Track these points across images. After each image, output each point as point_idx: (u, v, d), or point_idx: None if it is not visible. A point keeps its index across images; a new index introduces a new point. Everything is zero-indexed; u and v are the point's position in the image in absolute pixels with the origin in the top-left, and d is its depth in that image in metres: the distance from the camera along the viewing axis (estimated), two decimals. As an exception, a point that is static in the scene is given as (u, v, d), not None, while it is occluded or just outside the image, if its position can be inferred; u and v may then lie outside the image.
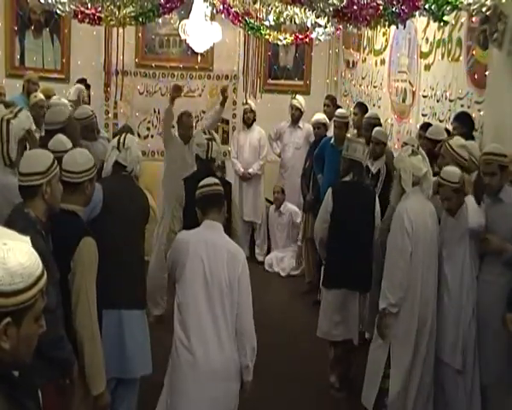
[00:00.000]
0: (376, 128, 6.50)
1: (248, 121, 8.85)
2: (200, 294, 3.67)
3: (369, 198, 5.43)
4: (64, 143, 4.39)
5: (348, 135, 6.79)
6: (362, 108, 7.69)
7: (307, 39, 8.03)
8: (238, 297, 3.68)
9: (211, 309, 3.66)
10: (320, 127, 7.85)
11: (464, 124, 5.61)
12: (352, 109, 8.06)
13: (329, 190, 5.47)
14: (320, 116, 7.93)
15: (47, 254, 3.09)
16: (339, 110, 7.53)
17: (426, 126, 6.17)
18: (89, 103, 8.12)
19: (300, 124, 8.85)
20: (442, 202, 4.57)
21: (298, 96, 8.99)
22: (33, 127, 4.32)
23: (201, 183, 3.98)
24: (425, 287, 4.48)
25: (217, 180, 4.05)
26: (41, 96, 6.85)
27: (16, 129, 3.92)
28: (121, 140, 4.31)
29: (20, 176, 3.24)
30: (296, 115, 8.78)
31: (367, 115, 7.24)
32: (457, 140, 5.00)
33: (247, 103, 8.92)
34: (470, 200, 4.50)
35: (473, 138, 5.47)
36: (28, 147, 4.13)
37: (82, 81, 8.35)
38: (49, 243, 3.26)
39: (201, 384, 3.62)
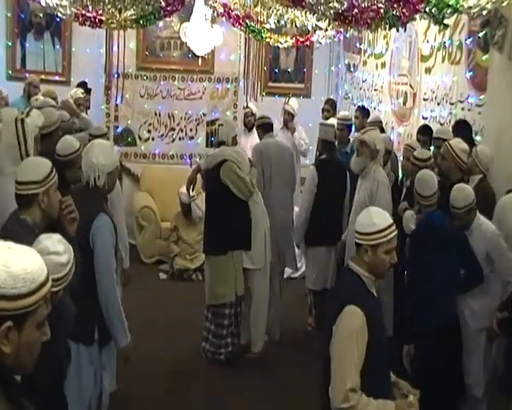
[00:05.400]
0: (383, 135, 6.47)
1: (249, 125, 8.81)
2: None
3: (341, 171, 6.30)
4: (73, 145, 4.39)
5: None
6: (363, 111, 7.69)
7: (308, 42, 8.03)
8: None
9: None
10: None
11: (465, 131, 5.58)
12: (353, 113, 8.05)
13: (312, 167, 6.45)
14: (331, 121, 7.92)
15: None
16: (341, 113, 7.53)
17: (423, 130, 6.16)
18: (89, 107, 8.14)
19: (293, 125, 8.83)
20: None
21: (291, 101, 8.95)
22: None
23: None
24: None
25: None
26: (41, 98, 6.85)
27: (32, 127, 3.90)
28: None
29: (17, 184, 3.15)
30: (288, 120, 8.74)
31: (370, 119, 7.22)
32: (458, 142, 5.01)
33: (247, 107, 8.90)
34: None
35: (473, 142, 5.47)
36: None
37: (82, 85, 8.35)
38: None
39: None
